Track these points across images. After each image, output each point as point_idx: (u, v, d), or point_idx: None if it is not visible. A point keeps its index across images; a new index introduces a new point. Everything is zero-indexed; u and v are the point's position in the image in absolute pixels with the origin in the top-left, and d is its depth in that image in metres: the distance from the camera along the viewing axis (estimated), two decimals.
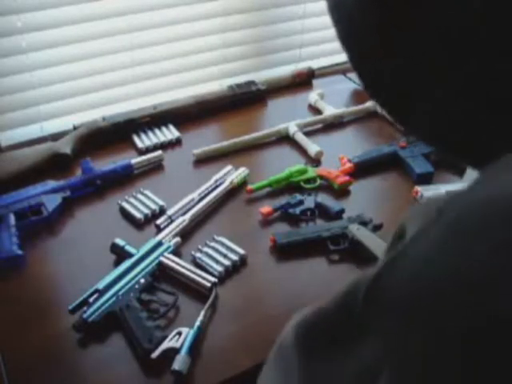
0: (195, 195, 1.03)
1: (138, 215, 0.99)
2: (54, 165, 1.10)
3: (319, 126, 1.28)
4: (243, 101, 1.33)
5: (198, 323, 0.79)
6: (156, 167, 1.13)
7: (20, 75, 1.14)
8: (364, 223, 0.96)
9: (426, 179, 1.09)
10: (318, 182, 1.09)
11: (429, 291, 0.23)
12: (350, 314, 0.28)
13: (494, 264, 0.21)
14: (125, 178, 1.08)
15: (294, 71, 1.44)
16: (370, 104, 1.32)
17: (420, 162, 1.12)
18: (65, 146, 1.12)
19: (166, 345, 0.76)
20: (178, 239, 0.93)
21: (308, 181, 1.08)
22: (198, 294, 0.85)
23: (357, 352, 0.27)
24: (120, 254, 0.90)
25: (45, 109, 1.20)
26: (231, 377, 0.74)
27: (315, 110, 1.33)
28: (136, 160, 1.10)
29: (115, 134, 1.19)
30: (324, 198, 1.04)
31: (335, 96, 1.37)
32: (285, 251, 0.93)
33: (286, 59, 1.50)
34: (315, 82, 1.45)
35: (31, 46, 1.12)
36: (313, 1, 1.43)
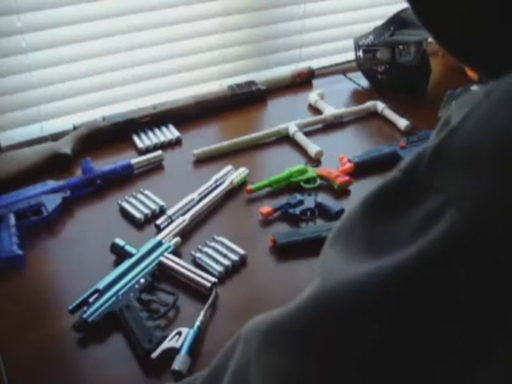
0: (195, 195, 1.03)
1: (138, 215, 0.99)
2: (54, 165, 1.10)
3: (319, 126, 1.28)
4: (243, 101, 1.33)
5: (197, 323, 0.79)
6: (156, 167, 1.13)
7: (20, 75, 1.14)
8: None
9: None
10: (318, 182, 1.09)
11: (493, 138, 0.26)
12: (413, 178, 0.30)
13: None
14: (125, 178, 1.08)
15: (294, 71, 1.44)
16: (370, 104, 1.32)
17: None
18: (65, 146, 1.12)
19: (166, 345, 0.76)
20: (178, 239, 0.93)
21: (308, 181, 1.08)
22: (198, 293, 0.85)
23: (420, 206, 0.29)
24: (120, 254, 0.90)
25: (45, 109, 1.20)
26: None
27: (315, 110, 1.33)
28: (136, 160, 1.10)
29: (115, 134, 1.18)
30: (324, 198, 1.04)
31: (335, 96, 1.37)
32: (285, 251, 0.93)
33: (285, 59, 1.50)
34: (315, 81, 1.45)
35: (31, 45, 1.12)
36: (313, 1, 1.43)
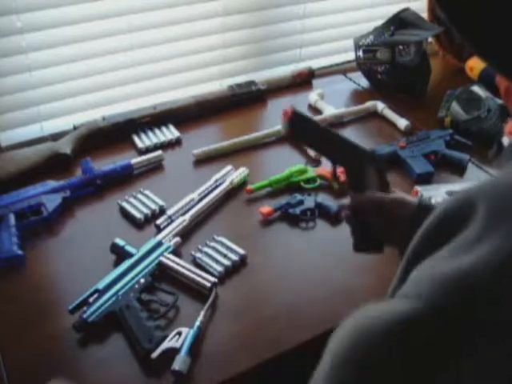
0: (195, 195, 1.03)
1: (138, 215, 0.99)
2: (54, 165, 1.10)
3: None
4: (243, 101, 1.33)
5: (197, 323, 0.79)
6: (156, 167, 1.12)
7: (20, 75, 1.14)
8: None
9: (425, 179, 1.09)
10: (318, 181, 1.09)
11: None
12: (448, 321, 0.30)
13: None
14: (125, 178, 1.08)
15: (294, 71, 1.44)
16: (370, 104, 1.32)
17: (420, 162, 1.12)
18: (65, 146, 1.12)
19: (165, 345, 0.76)
20: (177, 239, 0.93)
21: (308, 181, 1.08)
22: (198, 293, 0.85)
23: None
24: (120, 254, 0.90)
25: (45, 109, 1.20)
26: (231, 377, 0.74)
27: (315, 110, 1.33)
28: (136, 160, 1.10)
29: (115, 134, 1.18)
30: (324, 198, 1.04)
31: (335, 96, 1.37)
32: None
33: (285, 59, 1.50)
34: (315, 81, 1.45)
35: (31, 45, 1.12)
36: (313, 1, 1.43)
